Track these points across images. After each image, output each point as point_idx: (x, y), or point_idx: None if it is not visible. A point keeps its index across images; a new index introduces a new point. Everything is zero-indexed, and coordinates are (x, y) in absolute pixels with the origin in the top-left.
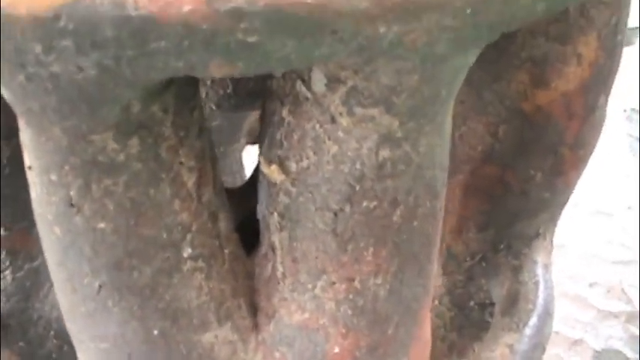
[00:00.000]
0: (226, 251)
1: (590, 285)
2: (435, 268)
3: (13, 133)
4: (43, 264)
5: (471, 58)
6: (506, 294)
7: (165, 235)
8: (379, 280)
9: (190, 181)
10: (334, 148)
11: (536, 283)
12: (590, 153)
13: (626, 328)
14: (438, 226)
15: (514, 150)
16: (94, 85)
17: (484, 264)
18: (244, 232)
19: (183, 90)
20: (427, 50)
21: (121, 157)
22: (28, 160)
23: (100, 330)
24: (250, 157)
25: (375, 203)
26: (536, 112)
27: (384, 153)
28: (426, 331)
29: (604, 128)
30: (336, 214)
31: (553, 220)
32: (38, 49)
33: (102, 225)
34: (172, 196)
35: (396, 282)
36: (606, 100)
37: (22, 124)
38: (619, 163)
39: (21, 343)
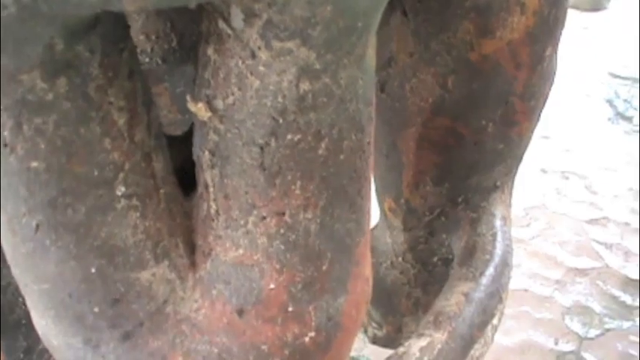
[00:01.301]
0: (162, 191)
1: (560, 244)
2: (369, 205)
3: None
4: None
5: None
6: (464, 245)
7: (97, 173)
8: (309, 215)
9: (121, 120)
10: (256, 83)
11: (494, 235)
12: (543, 104)
13: (595, 284)
14: (368, 160)
15: (464, 100)
16: (16, 23)
17: (444, 218)
18: (187, 177)
19: (111, 31)
20: None
21: (50, 96)
22: None
23: (40, 271)
24: None
25: (299, 136)
26: (483, 61)
27: (304, 85)
28: (365, 269)
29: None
30: (262, 149)
31: (509, 173)
32: None
33: (35, 164)
34: (103, 135)
35: (327, 216)
36: (555, 51)
37: None
38: (594, 126)
39: None
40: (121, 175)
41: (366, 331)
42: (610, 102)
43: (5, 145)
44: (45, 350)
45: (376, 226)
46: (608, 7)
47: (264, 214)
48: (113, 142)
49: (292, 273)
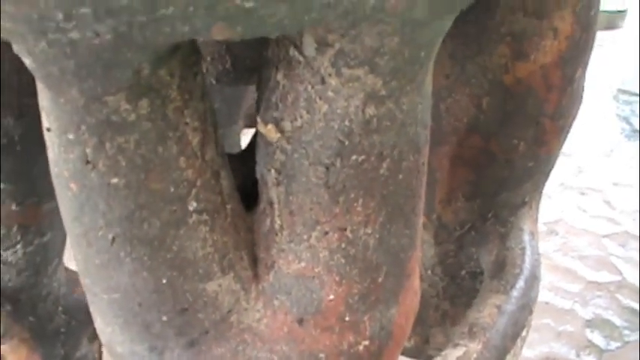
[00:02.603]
0: (228, 207)
1: (580, 258)
2: (421, 221)
3: (24, 112)
4: (52, 240)
5: (447, 24)
6: (494, 259)
7: (172, 190)
8: (369, 230)
9: (195, 140)
10: (325, 107)
11: (523, 249)
12: (570, 124)
13: (614, 298)
14: (422, 180)
15: (497, 121)
16: (109, 50)
17: (473, 233)
18: (244, 193)
19: (188, 57)
20: (406, 15)
21: (132, 116)
22: (46, 122)
23: (112, 281)
24: (247, 139)
25: (363, 157)
26: (517, 84)
27: (370, 110)
28: (414, 282)
29: (593, 108)
30: (327, 168)
31: (537, 189)
32: (59, 16)
33: (115, 180)
34: (178, 154)
35: (385, 232)
36: (584, 73)
37: (41, 88)
38: (607, 141)
39: (31, 318)
40: (194, 191)
41: None
42: (626, 119)
43: (87, 162)
44: (82, 358)
45: None
46: (623, 26)
47: (327, 230)
48: (187, 161)
49: (350, 285)
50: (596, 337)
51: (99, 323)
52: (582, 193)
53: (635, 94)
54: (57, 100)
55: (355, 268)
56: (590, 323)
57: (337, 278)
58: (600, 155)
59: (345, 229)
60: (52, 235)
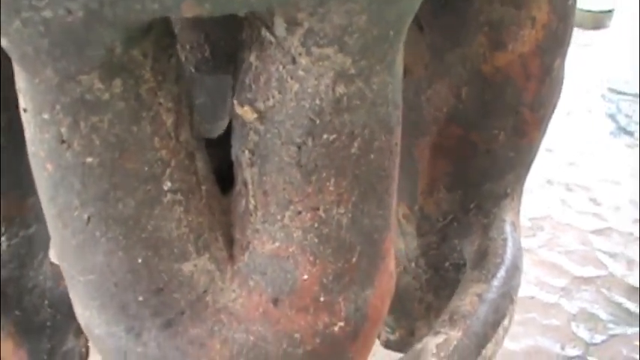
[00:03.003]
0: (203, 188)
1: (566, 253)
2: (394, 203)
3: (8, 105)
4: (37, 233)
5: (416, 2)
6: (476, 249)
7: (146, 169)
8: (341, 210)
9: (169, 121)
10: (296, 86)
11: (505, 240)
12: (550, 114)
13: (600, 292)
14: (395, 161)
15: (477, 110)
16: (81, 27)
17: (456, 224)
18: (220, 177)
19: (161, 38)
20: None
21: (106, 96)
22: (23, 103)
23: (88, 262)
24: None
25: (334, 136)
26: (495, 73)
27: (340, 89)
28: (389, 264)
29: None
30: (299, 147)
31: (519, 181)
32: None
33: (90, 159)
34: (152, 134)
35: (357, 212)
36: (562, 64)
37: (17, 70)
38: (597, 140)
39: (17, 312)
40: (168, 171)
41: (379, 336)
42: (612, 117)
43: (62, 142)
44: (68, 352)
45: None
46: (610, 26)
47: (300, 209)
48: (161, 141)
49: (324, 265)
50: (582, 331)
51: (77, 307)
52: (568, 189)
53: (621, 93)
54: (32, 80)
55: (329, 247)
56: (575, 317)
57: (311, 258)
58: (587, 152)
59: (318, 209)
60: (38, 228)
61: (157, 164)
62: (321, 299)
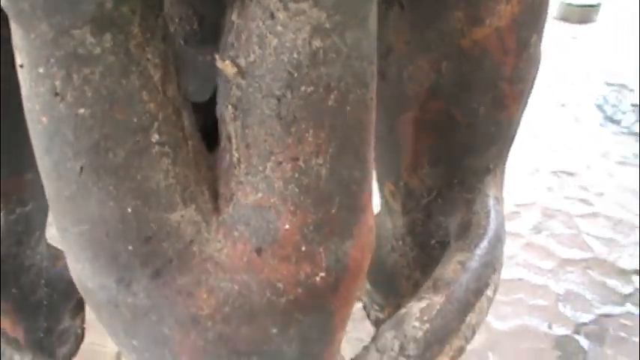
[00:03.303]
0: (190, 143)
1: (553, 236)
2: (372, 158)
3: (5, 80)
4: (34, 210)
5: None
6: (460, 222)
7: (135, 121)
8: (320, 160)
9: (156, 75)
10: (274, 41)
11: (488, 213)
12: (529, 89)
13: (586, 273)
14: (371, 116)
15: (456, 85)
16: None
17: (440, 200)
18: (207, 137)
19: None
20: None
21: (97, 50)
22: (19, 59)
23: (81, 212)
24: None
25: (311, 88)
26: (473, 47)
27: (316, 43)
28: (368, 218)
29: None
30: (279, 100)
31: (501, 156)
32: None
33: (82, 110)
34: (141, 87)
35: (335, 163)
36: (539, 39)
37: (14, 28)
38: (585, 129)
39: (14, 290)
40: (156, 124)
41: (368, 315)
42: (600, 107)
43: (56, 94)
44: (65, 331)
45: (378, 213)
46: (597, 20)
47: (281, 160)
48: (149, 94)
49: (305, 214)
50: (568, 310)
51: (71, 261)
52: (556, 176)
53: (610, 84)
54: (28, 36)
55: (309, 197)
56: (562, 297)
57: (292, 208)
58: (575, 140)
59: (298, 159)
60: (35, 206)
61: (146, 116)
62: (303, 249)
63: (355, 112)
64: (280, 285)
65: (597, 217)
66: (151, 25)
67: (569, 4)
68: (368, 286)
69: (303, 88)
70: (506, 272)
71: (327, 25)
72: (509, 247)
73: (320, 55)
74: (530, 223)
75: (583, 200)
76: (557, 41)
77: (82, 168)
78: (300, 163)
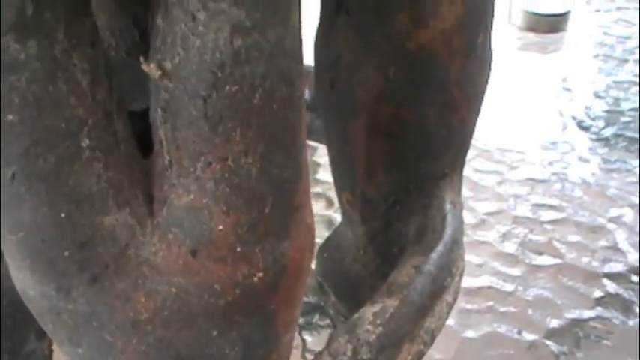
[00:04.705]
0: (122, 147)
1: (522, 244)
2: (305, 156)
3: None
4: None
5: None
6: (416, 229)
7: (64, 126)
8: (249, 160)
9: (85, 81)
10: (197, 42)
11: (444, 217)
12: (481, 92)
13: (555, 279)
14: (300, 113)
15: (405, 88)
16: None
17: (398, 207)
18: (145, 145)
19: (73, 5)
20: None
21: (22, 56)
22: None
23: (16, 219)
24: None
25: (236, 87)
26: (420, 49)
27: (238, 41)
28: (305, 217)
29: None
30: (205, 100)
31: (457, 161)
32: None
33: (10, 117)
34: (68, 93)
35: (265, 162)
36: (487, 40)
37: None
38: (549, 135)
39: None
40: (86, 129)
41: (335, 326)
42: (568, 114)
43: None
44: (31, 353)
45: (340, 224)
46: (567, 29)
47: (210, 160)
48: (78, 100)
49: (238, 215)
50: (538, 316)
51: (13, 270)
52: (525, 185)
53: (578, 92)
54: None
55: (240, 198)
56: (531, 303)
57: (224, 208)
58: (542, 149)
59: (227, 159)
60: None
61: (75, 122)
62: (238, 249)
63: (282, 111)
64: (217, 286)
65: (567, 222)
66: (77, 31)
67: (536, 14)
68: (333, 297)
69: (227, 88)
70: (476, 280)
71: (247, 24)
72: (479, 256)
73: (242, 54)
74: (500, 231)
75: (552, 207)
76: (525, 52)
77: (13, 175)
78: (230, 162)
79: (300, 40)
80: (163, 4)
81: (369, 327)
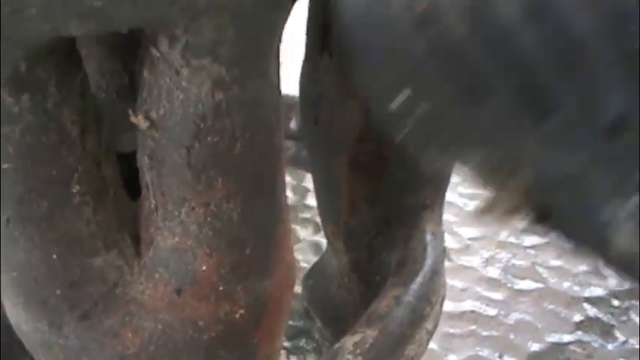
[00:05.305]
0: (111, 191)
1: (505, 269)
2: (284, 199)
3: None
4: None
5: (279, 17)
6: (397, 260)
7: (56, 174)
8: (231, 205)
9: (74, 131)
10: (181, 95)
11: (424, 248)
12: None
13: (537, 304)
14: (280, 158)
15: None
16: None
17: (381, 238)
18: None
19: (63, 61)
20: (235, 9)
21: (16, 109)
22: None
23: (10, 259)
24: None
25: (217, 138)
26: None
27: (219, 95)
28: (286, 256)
29: None
30: (188, 150)
31: (438, 192)
32: None
33: (5, 166)
34: (60, 143)
35: (247, 207)
36: None
37: None
38: None
39: None
40: (76, 175)
41: (321, 352)
42: None
43: None
44: None
45: (325, 251)
46: None
47: (194, 205)
48: (68, 149)
49: (220, 256)
50: (519, 340)
51: (8, 306)
52: None
53: None
54: None
55: (223, 240)
56: (513, 327)
57: (207, 250)
58: None
59: (210, 204)
60: None
61: (65, 170)
62: (221, 288)
63: (262, 159)
64: (201, 323)
65: (549, 247)
66: (68, 85)
67: None
68: (319, 323)
69: (209, 139)
70: (458, 305)
71: (227, 79)
72: (462, 281)
73: (223, 107)
74: (483, 256)
75: (535, 232)
76: None
77: (8, 219)
78: (212, 207)
79: (280, 92)
80: (149, 58)
81: (349, 357)
